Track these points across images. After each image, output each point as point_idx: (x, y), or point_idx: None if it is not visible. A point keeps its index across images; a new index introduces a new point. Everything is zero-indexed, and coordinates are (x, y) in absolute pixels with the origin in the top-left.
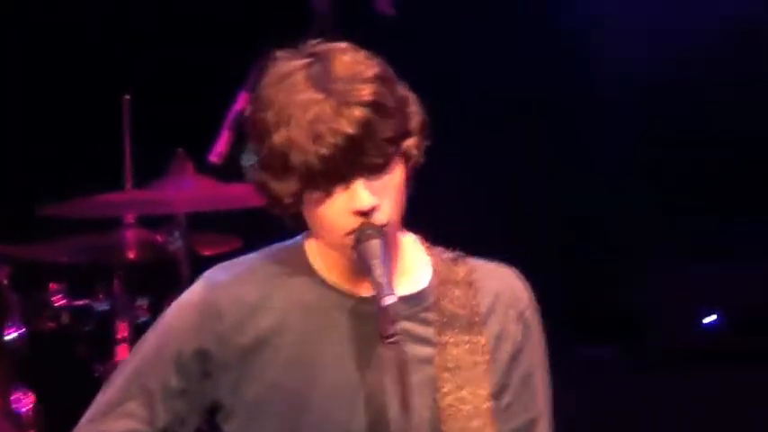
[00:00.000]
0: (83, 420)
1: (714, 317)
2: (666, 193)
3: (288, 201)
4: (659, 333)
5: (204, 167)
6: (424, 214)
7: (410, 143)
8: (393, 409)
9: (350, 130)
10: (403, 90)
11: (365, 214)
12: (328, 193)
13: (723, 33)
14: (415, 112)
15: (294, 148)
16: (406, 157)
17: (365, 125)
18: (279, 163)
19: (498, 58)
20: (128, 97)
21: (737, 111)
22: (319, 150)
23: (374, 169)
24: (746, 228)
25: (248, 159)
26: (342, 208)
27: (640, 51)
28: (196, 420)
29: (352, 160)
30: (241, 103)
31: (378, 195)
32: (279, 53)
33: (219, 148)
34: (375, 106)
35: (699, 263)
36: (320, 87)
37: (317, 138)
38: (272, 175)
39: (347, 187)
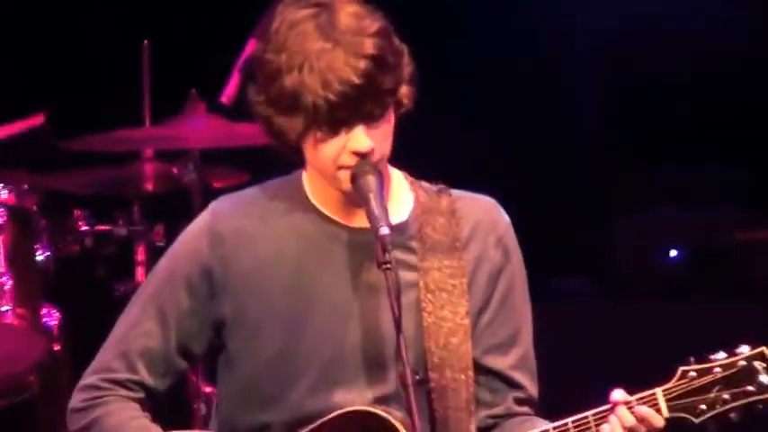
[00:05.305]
0: (107, 341)
1: (675, 252)
2: (633, 142)
3: (291, 136)
4: (626, 270)
5: (215, 108)
6: (420, 155)
7: (403, 92)
8: (385, 329)
9: (356, 80)
10: (398, 43)
11: (362, 155)
12: (331, 134)
13: None
14: (408, 63)
15: (305, 90)
16: (398, 104)
17: (369, 77)
18: (288, 102)
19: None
20: (147, 42)
21: (699, 61)
22: (328, 96)
23: (373, 117)
24: (705, 173)
25: (256, 95)
26: (341, 147)
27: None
28: (205, 338)
29: (356, 108)
30: (251, 48)
31: (374, 139)
32: (286, 0)
33: (229, 91)
34: (378, 60)
35: (662, 205)
36: (328, 37)
37: (326, 84)
38: (279, 112)
39: (349, 131)
